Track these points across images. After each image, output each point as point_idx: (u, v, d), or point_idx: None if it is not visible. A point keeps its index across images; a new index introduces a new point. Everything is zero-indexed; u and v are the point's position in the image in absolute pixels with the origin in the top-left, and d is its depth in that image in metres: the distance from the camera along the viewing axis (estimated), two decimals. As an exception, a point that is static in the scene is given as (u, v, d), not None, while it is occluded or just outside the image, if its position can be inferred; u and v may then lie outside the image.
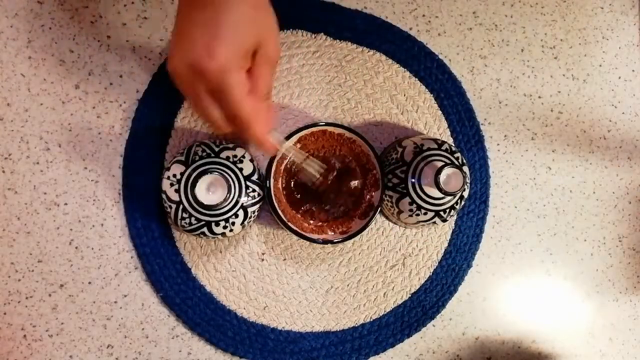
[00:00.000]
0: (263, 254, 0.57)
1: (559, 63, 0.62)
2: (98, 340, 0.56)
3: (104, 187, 0.56)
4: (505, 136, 0.61)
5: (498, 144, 0.61)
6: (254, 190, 0.52)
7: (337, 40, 0.59)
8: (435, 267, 0.59)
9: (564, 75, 0.62)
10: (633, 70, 0.63)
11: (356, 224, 0.54)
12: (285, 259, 0.58)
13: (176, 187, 0.50)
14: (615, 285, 0.62)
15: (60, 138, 0.56)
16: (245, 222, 0.52)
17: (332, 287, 0.58)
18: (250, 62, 0.41)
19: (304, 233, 0.53)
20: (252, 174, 0.52)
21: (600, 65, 0.63)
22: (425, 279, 0.59)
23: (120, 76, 0.57)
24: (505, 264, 0.60)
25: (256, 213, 0.53)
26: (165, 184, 0.51)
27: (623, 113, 0.63)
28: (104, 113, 0.56)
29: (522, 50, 0.62)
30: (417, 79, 0.60)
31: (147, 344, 0.56)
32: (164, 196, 0.51)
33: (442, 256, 0.59)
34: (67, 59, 0.56)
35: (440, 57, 0.60)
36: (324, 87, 0.59)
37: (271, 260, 0.57)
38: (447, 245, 0.59)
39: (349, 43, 0.59)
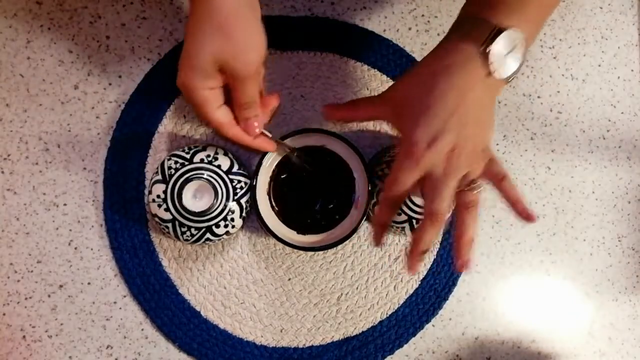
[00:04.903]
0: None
1: (558, 63, 0.62)
2: (97, 341, 0.56)
3: (103, 187, 0.56)
4: (504, 136, 0.61)
5: (497, 144, 0.61)
6: (239, 182, 0.51)
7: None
8: (438, 249, 0.59)
9: (563, 75, 0.62)
10: (632, 70, 0.63)
11: (343, 229, 0.53)
12: (290, 279, 0.57)
13: (164, 206, 0.50)
14: (614, 285, 0.62)
15: (60, 138, 0.56)
16: (244, 214, 0.52)
17: (342, 294, 0.58)
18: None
19: (291, 242, 0.52)
20: (231, 167, 0.52)
21: (599, 65, 0.63)
22: (431, 263, 0.59)
23: (120, 76, 0.57)
24: (504, 263, 0.60)
25: (249, 202, 0.53)
26: (154, 207, 0.50)
27: (622, 113, 0.63)
28: (103, 113, 0.56)
29: (521, 50, 0.62)
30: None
31: (147, 345, 0.56)
32: (156, 219, 0.51)
33: (442, 237, 0.59)
34: (66, 60, 0.56)
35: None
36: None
37: (276, 283, 0.57)
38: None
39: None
